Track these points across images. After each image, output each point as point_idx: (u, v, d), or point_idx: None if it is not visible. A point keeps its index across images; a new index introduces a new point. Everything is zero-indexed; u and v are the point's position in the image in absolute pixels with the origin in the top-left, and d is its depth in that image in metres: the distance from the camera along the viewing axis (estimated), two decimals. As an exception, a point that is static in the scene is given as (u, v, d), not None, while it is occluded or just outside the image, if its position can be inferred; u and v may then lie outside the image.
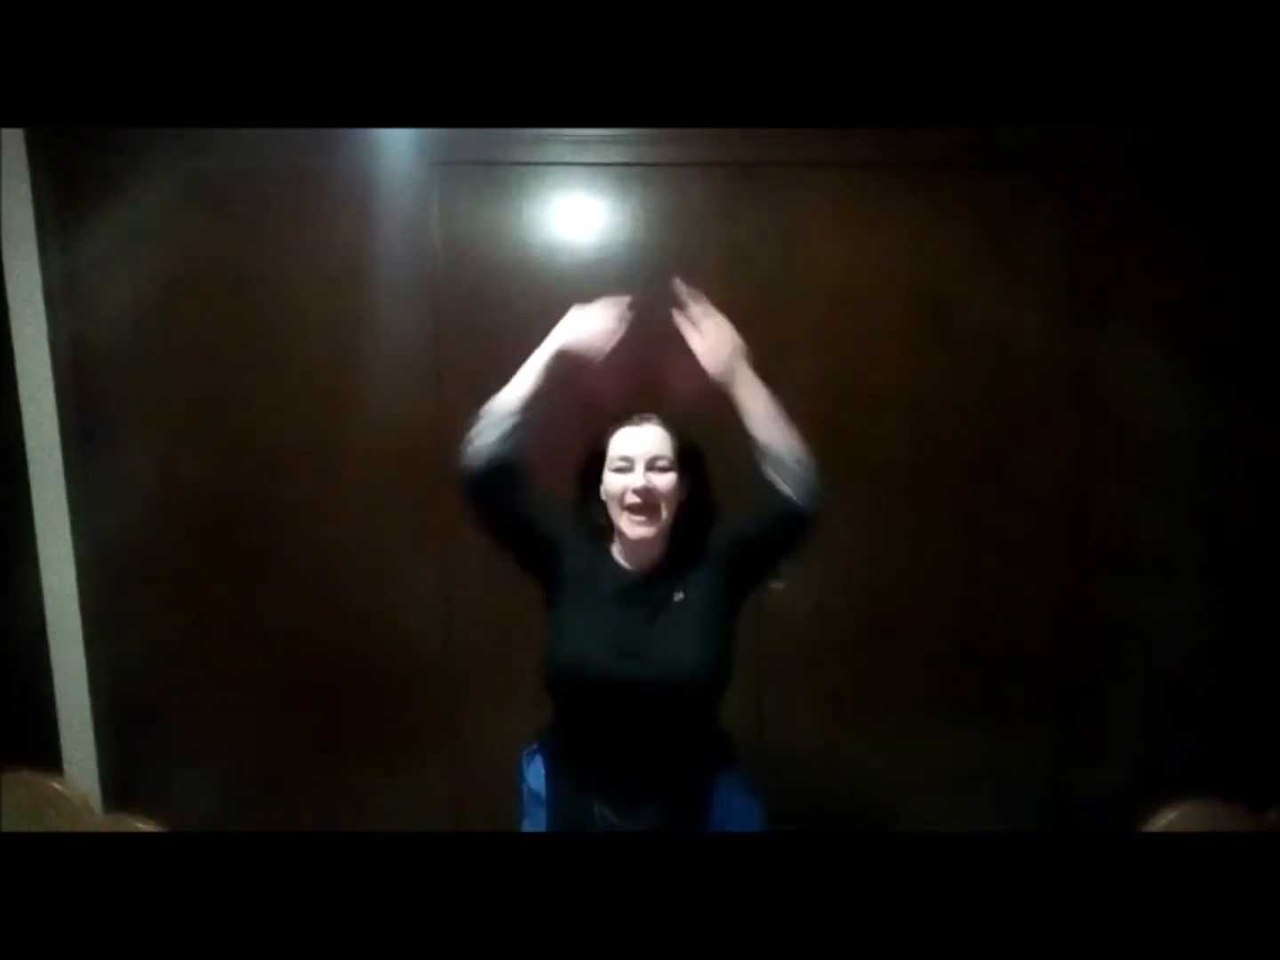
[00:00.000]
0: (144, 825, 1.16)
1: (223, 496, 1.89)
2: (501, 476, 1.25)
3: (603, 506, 1.29)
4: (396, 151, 1.82)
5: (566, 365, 1.29)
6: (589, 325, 1.30)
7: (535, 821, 1.33)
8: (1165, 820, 1.19)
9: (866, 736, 1.97)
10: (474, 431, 1.26)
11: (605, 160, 1.84)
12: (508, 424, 1.25)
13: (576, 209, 1.86)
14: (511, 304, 1.86)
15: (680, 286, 1.31)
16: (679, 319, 1.32)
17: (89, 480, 1.88)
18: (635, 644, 1.21)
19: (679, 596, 1.24)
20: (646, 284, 1.84)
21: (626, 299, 1.31)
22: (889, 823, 1.99)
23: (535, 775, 1.35)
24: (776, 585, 1.93)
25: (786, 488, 1.25)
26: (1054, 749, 2.01)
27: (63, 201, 1.80)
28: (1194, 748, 1.93)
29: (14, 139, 1.76)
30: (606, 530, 1.30)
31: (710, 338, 1.31)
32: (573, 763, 1.28)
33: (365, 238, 1.84)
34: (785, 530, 1.27)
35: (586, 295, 1.86)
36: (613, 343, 1.31)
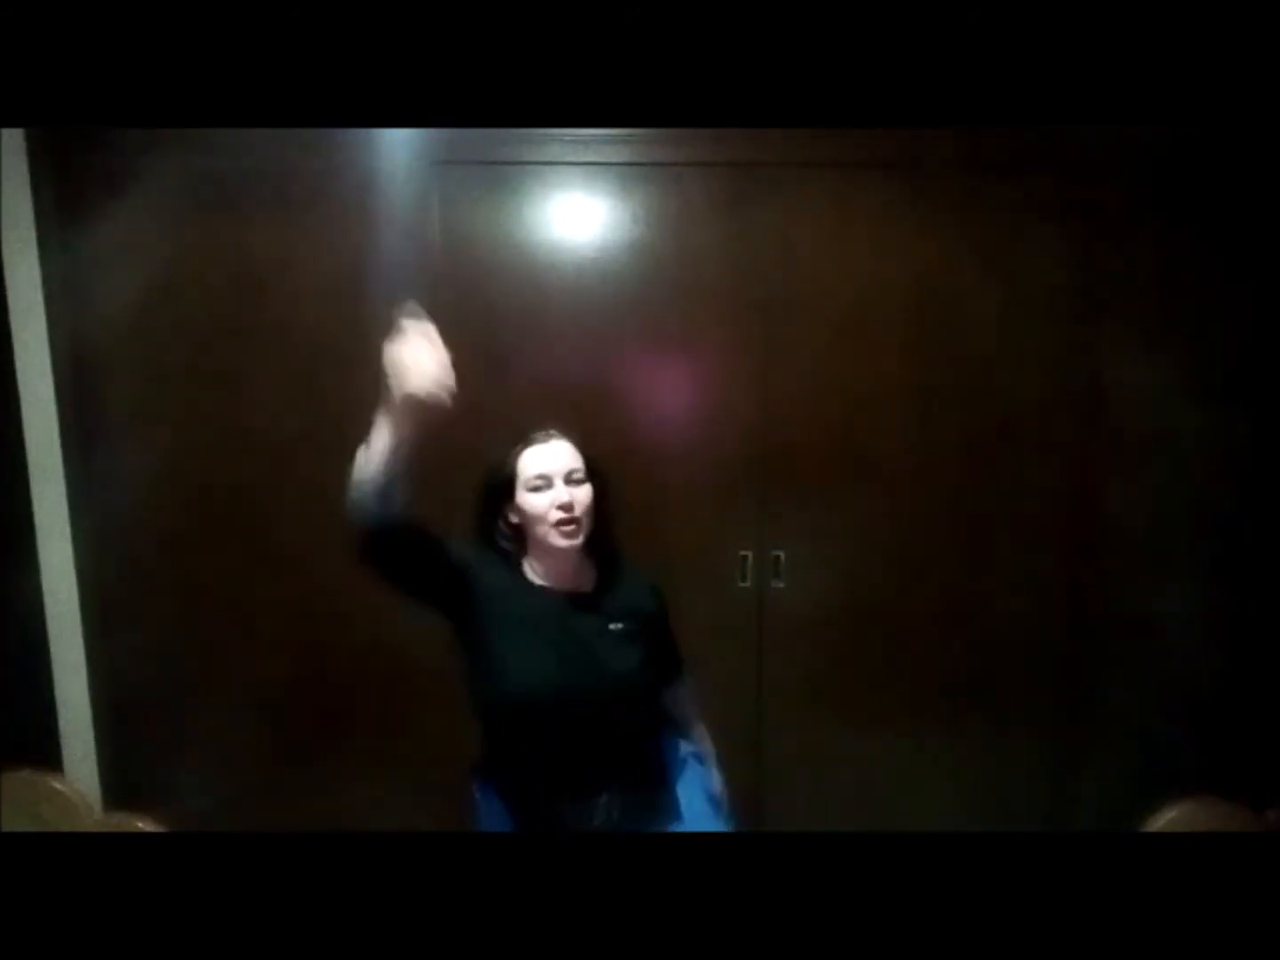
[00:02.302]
0: (144, 825, 1.17)
1: (223, 496, 1.90)
2: (392, 536, 1.19)
3: (512, 529, 1.31)
4: (396, 151, 1.82)
5: (416, 411, 1.18)
6: (417, 365, 1.19)
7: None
8: (1165, 820, 1.19)
9: (866, 736, 1.97)
10: (351, 500, 1.19)
11: (605, 160, 1.84)
12: (380, 484, 1.18)
13: (576, 209, 1.86)
14: (511, 304, 1.86)
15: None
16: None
17: (89, 480, 1.88)
18: (581, 664, 1.25)
19: (615, 626, 1.29)
20: (646, 284, 1.87)
21: (427, 324, 1.21)
22: (889, 823, 1.99)
23: (489, 809, 1.38)
24: (777, 585, 1.93)
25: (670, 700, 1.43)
26: (1054, 749, 2.01)
27: (63, 201, 1.80)
28: (1194, 748, 1.93)
29: (14, 139, 1.76)
30: (515, 553, 1.32)
31: None
32: (523, 777, 1.31)
33: (365, 237, 1.84)
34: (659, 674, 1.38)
35: (586, 295, 1.87)
36: (447, 371, 1.20)
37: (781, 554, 1.93)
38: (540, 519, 1.25)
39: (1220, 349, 1.89)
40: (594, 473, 1.30)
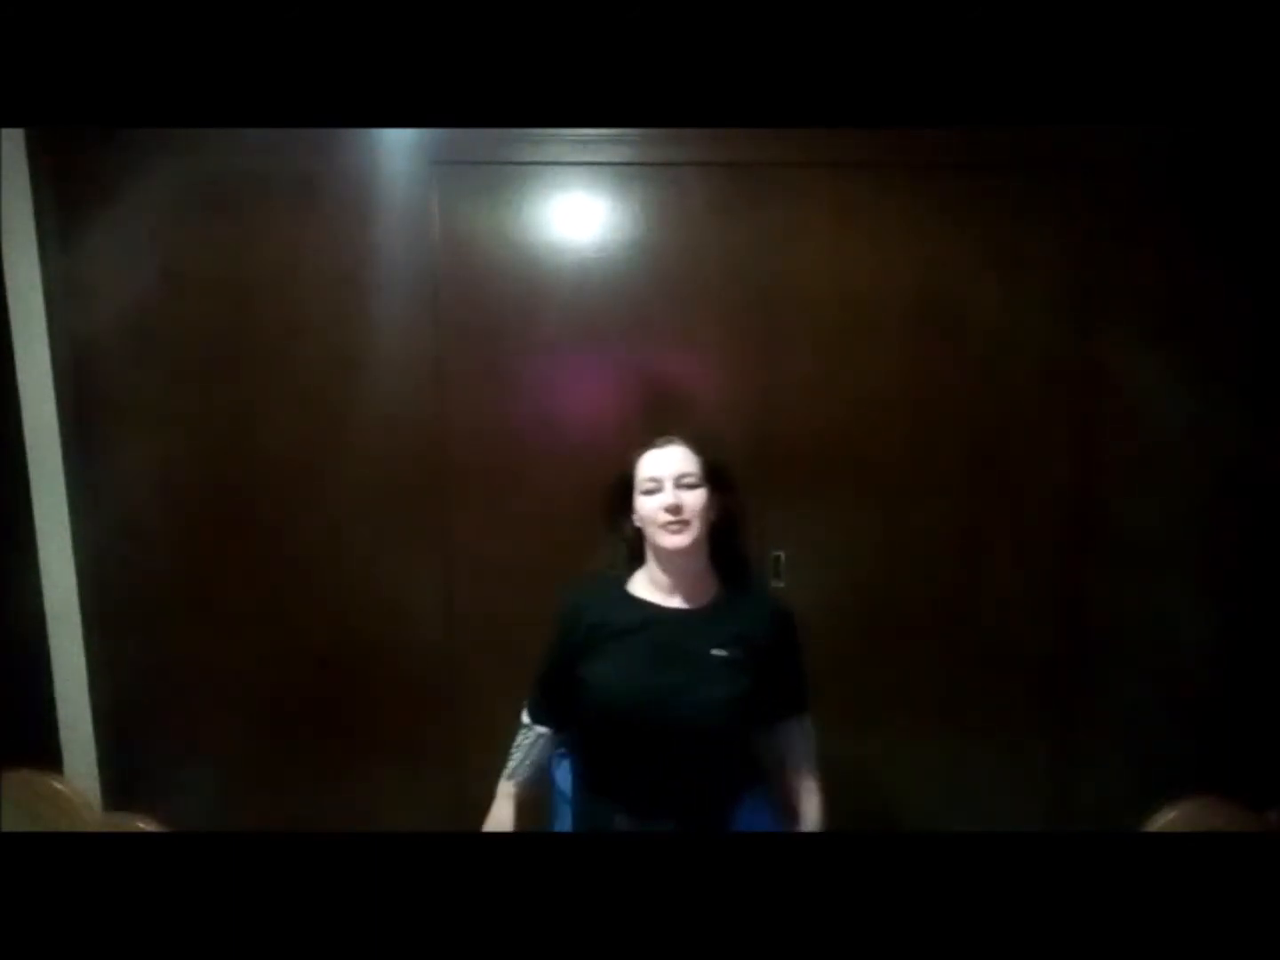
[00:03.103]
0: (144, 825, 1.16)
1: (223, 496, 1.90)
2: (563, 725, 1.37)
3: (636, 533, 1.34)
4: (396, 151, 1.82)
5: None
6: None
7: (564, 820, 1.38)
8: (1165, 820, 1.19)
9: (866, 736, 1.97)
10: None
11: (605, 160, 1.84)
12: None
13: (576, 209, 1.86)
14: (511, 304, 1.86)
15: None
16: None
17: (89, 480, 1.88)
18: (668, 682, 1.23)
19: (718, 653, 1.26)
20: (646, 284, 1.87)
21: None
22: (889, 823, 1.99)
23: (563, 777, 1.40)
24: (777, 584, 1.93)
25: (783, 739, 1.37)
26: (1054, 749, 2.01)
27: (63, 201, 1.80)
28: (1194, 748, 1.93)
29: (14, 139, 1.76)
30: (635, 558, 1.35)
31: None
32: (597, 777, 1.31)
33: (365, 237, 1.84)
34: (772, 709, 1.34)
35: (586, 295, 1.87)
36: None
37: (781, 554, 1.93)
38: (650, 520, 1.28)
39: (1220, 349, 1.89)
40: (719, 480, 1.32)
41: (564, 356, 1.89)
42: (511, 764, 1.38)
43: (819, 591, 1.94)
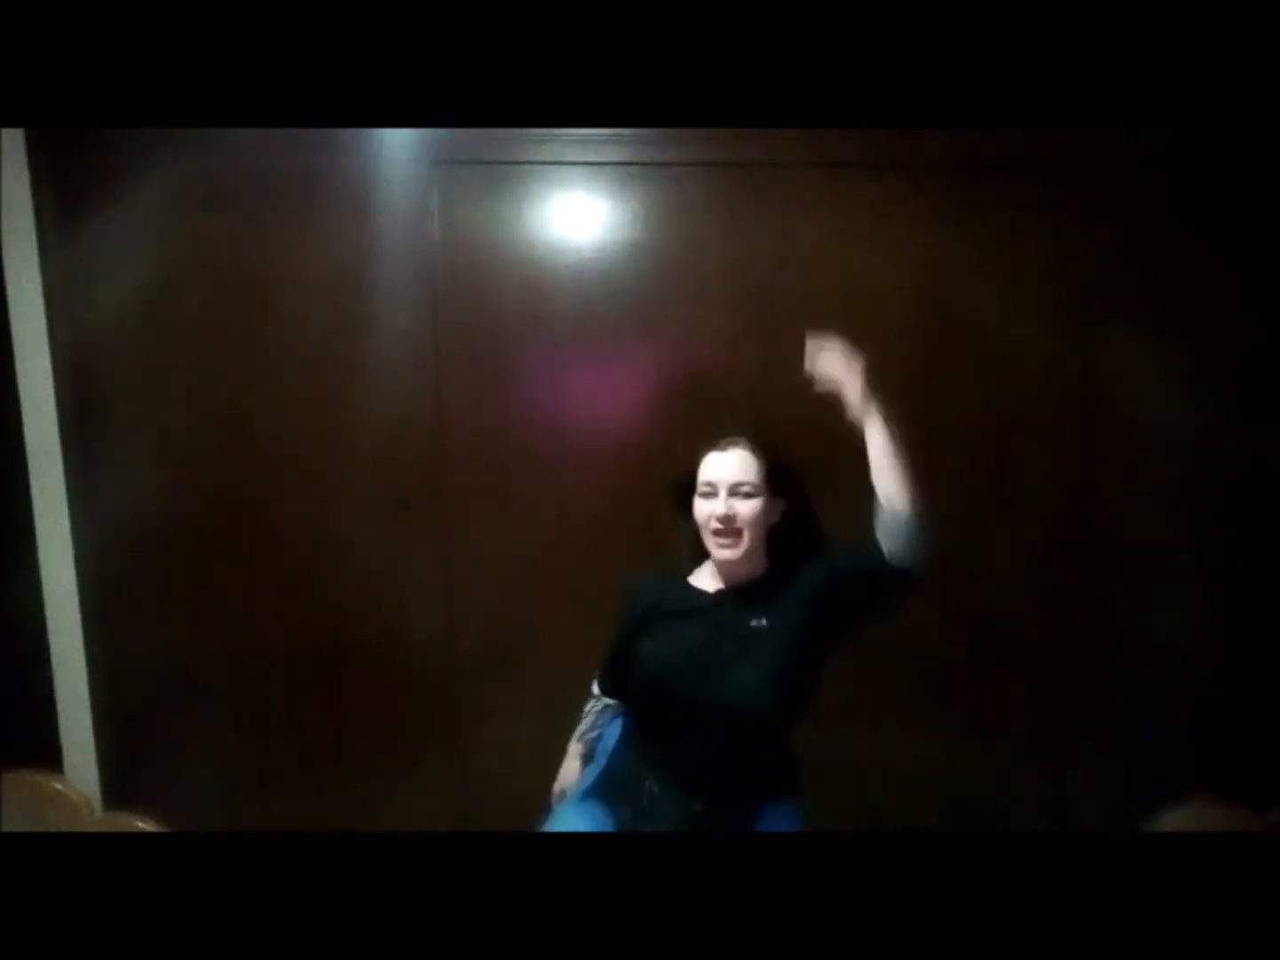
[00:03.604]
0: (143, 825, 1.17)
1: (222, 496, 1.90)
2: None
3: (695, 532, 1.34)
4: (396, 151, 1.82)
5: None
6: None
7: (596, 767, 1.45)
8: (1165, 820, 1.19)
9: (866, 736, 1.97)
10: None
11: (605, 160, 1.84)
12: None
13: (576, 209, 1.86)
14: (511, 304, 1.86)
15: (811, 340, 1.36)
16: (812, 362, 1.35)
17: (89, 480, 1.88)
18: (707, 663, 1.25)
19: (760, 623, 1.26)
20: (646, 284, 1.87)
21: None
22: (889, 823, 1.99)
23: (612, 733, 1.47)
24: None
25: (888, 541, 1.24)
26: (1054, 749, 2.01)
27: (63, 201, 1.80)
28: (1194, 748, 1.93)
29: (14, 139, 1.76)
30: (699, 553, 1.37)
31: (845, 374, 1.34)
32: (640, 742, 1.35)
33: (365, 237, 1.84)
34: (874, 585, 1.26)
35: (586, 295, 1.87)
36: None
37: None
38: (702, 525, 1.29)
39: (1220, 349, 1.89)
40: (779, 488, 1.31)
41: (564, 356, 1.89)
42: (581, 727, 1.50)
43: (819, 591, 1.94)
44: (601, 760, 1.45)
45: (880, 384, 1.90)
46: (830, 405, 1.92)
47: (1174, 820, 1.19)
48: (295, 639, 1.94)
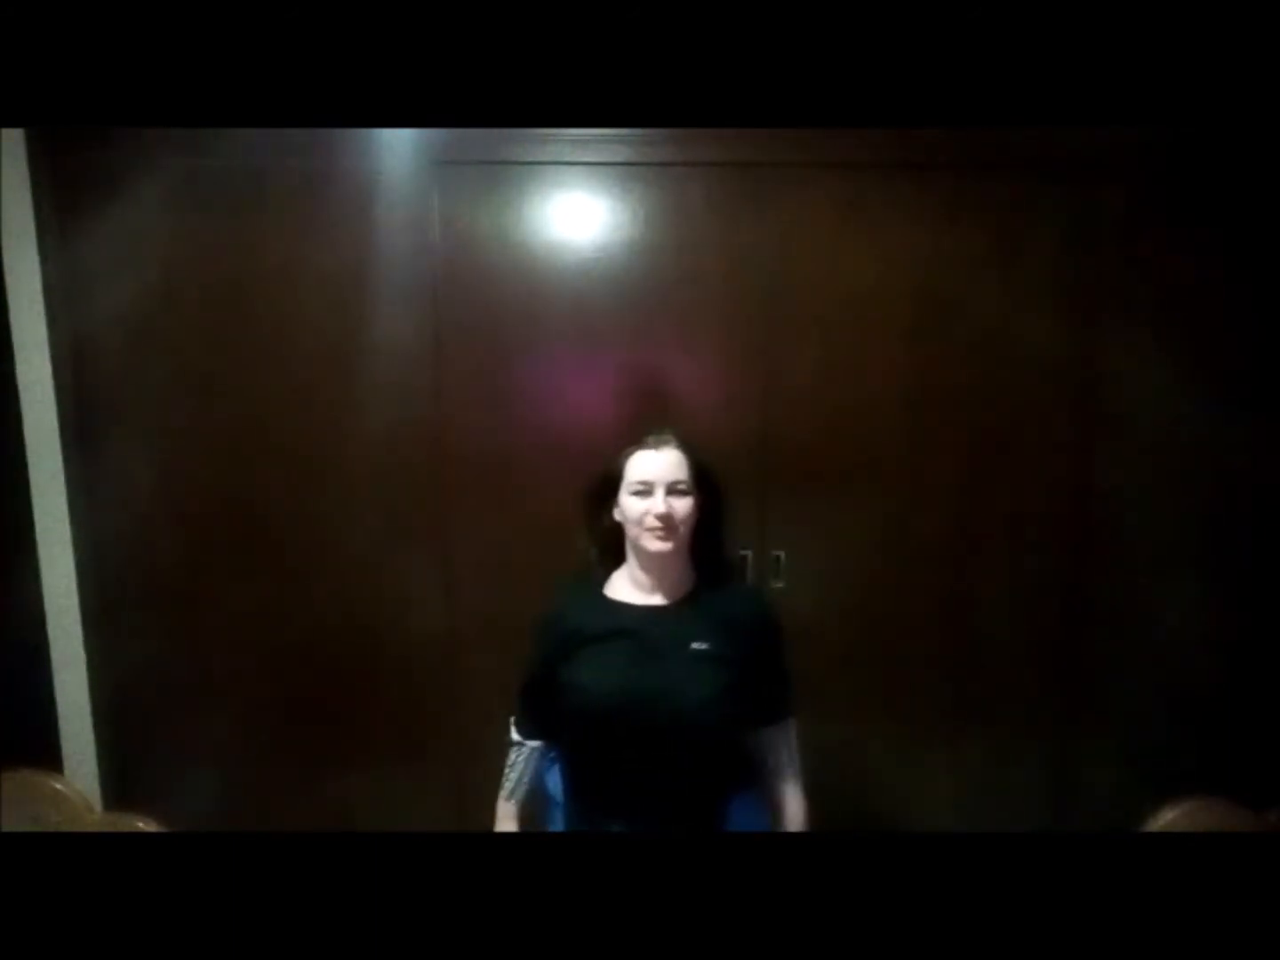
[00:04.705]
0: (144, 825, 1.16)
1: (222, 496, 1.90)
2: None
3: (615, 529, 1.31)
4: (396, 151, 1.82)
5: None
6: None
7: (556, 826, 1.37)
8: (1165, 820, 1.19)
9: (866, 736, 1.97)
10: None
11: (605, 160, 1.84)
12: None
13: (576, 209, 1.86)
14: (511, 304, 1.86)
15: None
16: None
17: (89, 480, 1.88)
18: (650, 683, 1.21)
19: (702, 647, 1.24)
20: (646, 284, 1.87)
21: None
22: (889, 823, 1.99)
23: (554, 782, 1.38)
24: (777, 585, 1.93)
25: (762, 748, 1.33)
26: (1054, 749, 2.01)
27: (63, 201, 1.80)
28: (1194, 748, 1.93)
29: (14, 139, 1.76)
30: (611, 556, 1.33)
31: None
32: (585, 784, 1.30)
33: (366, 237, 1.84)
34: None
35: (586, 295, 1.87)
36: None
37: (781, 554, 1.93)
38: (635, 522, 1.25)
39: (1220, 349, 1.89)
40: (705, 483, 1.29)
41: (564, 356, 1.89)
42: (509, 785, 1.36)
43: (819, 591, 1.94)
44: (556, 814, 1.37)
45: (879, 383, 1.92)
46: (831, 406, 1.93)
47: (1174, 820, 1.19)
48: (295, 638, 1.94)
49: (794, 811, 1.32)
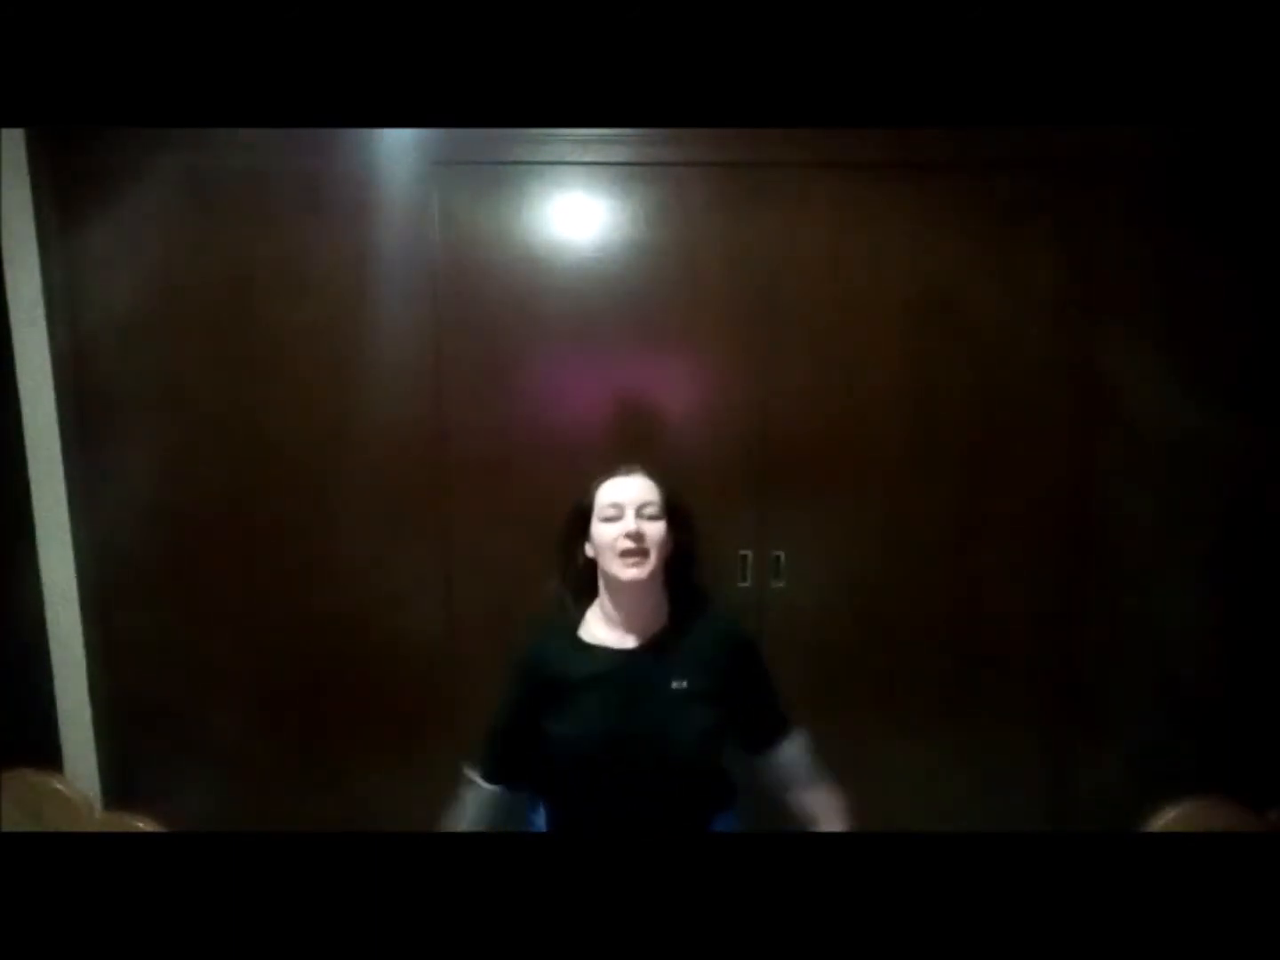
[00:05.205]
0: (144, 825, 1.16)
1: (222, 496, 1.90)
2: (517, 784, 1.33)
3: (589, 565, 1.32)
4: (396, 151, 1.82)
5: None
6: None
7: None
8: (1165, 820, 1.19)
9: (866, 736, 1.97)
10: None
11: (605, 160, 1.84)
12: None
13: (577, 208, 1.86)
14: (511, 304, 1.86)
15: None
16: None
17: (89, 480, 1.88)
18: (632, 726, 1.22)
19: (681, 685, 1.25)
20: (646, 285, 1.87)
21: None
22: (889, 823, 1.99)
23: (538, 826, 1.37)
24: (777, 585, 1.93)
25: (778, 771, 1.34)
26: (1054, 749, 2.01)
27: (63, 201, 1.80)
28: (1194, 748, 1.93)
29: (14, 139, 1.76)
30: (585, 593, 1.33)
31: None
32: (571, 826, 1.30)
33: (366, 237, 1.84)
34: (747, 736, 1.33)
35: (586, 295, 1.87)
36: None
37: (781, 554, 1.93)
38: (608, 548, 1.25)
39: (1220, 348, 1.89)
40: (676, 511, 1.30)
41: (564, 356, 1.89)
42: (461, 828, 1.30)
43: (819, 591, 1.94)
44: None
45: (879, 383, 1.92)
46: (831, 406, 1.93)
47: (1174, 820, 1.19)
48: (295, 638, 1.94)
49: (834, 812, 1.34)
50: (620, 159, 1.84)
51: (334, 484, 1.90)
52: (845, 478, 1.93)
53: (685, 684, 1.24)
